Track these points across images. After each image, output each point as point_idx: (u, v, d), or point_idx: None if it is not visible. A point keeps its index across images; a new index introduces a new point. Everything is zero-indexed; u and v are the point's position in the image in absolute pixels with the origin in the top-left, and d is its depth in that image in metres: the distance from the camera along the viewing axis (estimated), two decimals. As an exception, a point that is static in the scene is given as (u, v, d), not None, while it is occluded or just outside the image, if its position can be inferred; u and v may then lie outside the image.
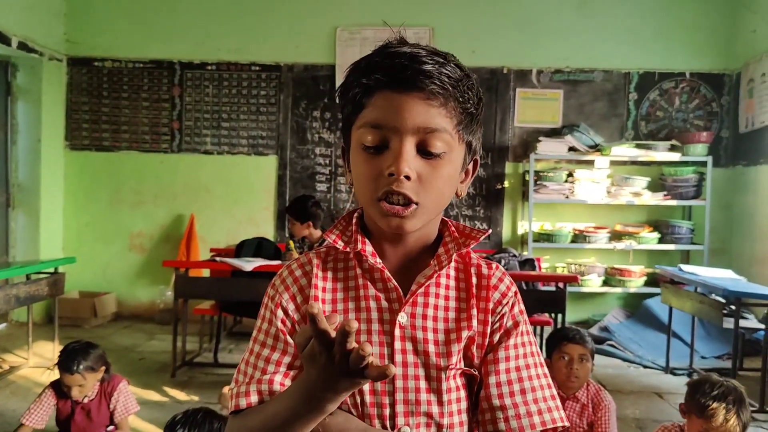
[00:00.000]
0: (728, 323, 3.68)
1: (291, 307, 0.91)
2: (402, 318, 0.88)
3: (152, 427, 3.13)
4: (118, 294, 5.82)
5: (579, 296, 5.61)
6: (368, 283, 0.90)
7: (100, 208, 5.87)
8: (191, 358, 4.37)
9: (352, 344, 0.67)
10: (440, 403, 0.87)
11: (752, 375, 4.18)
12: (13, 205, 5.49)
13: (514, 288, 0.95)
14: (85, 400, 2.68)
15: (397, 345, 0.87)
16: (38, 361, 4.29)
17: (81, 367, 2.59)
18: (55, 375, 2.73)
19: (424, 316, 0.89)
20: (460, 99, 0.84)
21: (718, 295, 3.85)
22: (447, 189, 0.88)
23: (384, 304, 0.89)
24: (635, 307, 5.52)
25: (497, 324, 0.92)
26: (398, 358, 0.87)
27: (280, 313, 0.90)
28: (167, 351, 4.32)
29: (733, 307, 3.68)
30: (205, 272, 4.81)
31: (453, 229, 0.95)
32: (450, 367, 0.87)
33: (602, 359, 4.72)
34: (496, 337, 0.91)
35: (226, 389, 3.02)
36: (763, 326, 3.76)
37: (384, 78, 0.83)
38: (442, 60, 0.83)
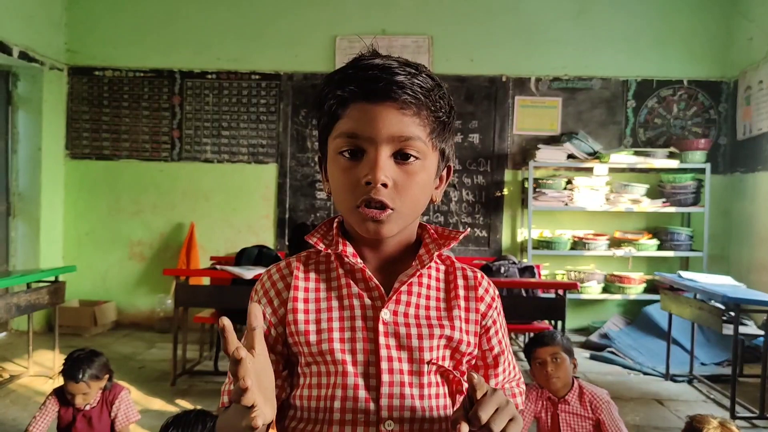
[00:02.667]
0: (728, 330, 3.69)
1: (268, 310, 0.93)
2: (385, 315, 0.90)
3: (153, 436, 3.14)
4: (117, 302, 5.82)
5: (579, 303, 5.62)
6: (350, 281, 0.92)
7: (100, 216, 5.88)
8: (191, 367, 4.37)
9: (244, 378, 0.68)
10: (422, 397, 0.89)
11: (752, 381, 4.19)
12: (14, 213, 5.50)
13: (496, 291, 1.00)
14: (87, 408, 2.68)
15: (382, 340, 0.89)
16: (38, 369, 4.29)
17: (86, 375, 2.60)
18: (58, 382, 2.73)
19: (406, 314, 0.91)
20: (432, 108, 0.88)
21: (718, 301, 3.86)
22: (422, 195, 0.91)
23: (367, 301, 0.91)
24: (635, 314, 5.53)
25: (490, 327, 0.98)
26: (383, 352, 0.89)
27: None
28: (167, 359, 4.32)
29: (732, 313, 3.69)
30: (205, 280, 4.82)
31: (432, 231, 0.98)
32: (432, 361, 0.90)
33: (602, 366, 4.73)
34: (493, 342, 0.98)
35: None
36: (762, 332, 3.77)
37: (358, 89, 0.85)
38: (414, 71, 0.86)
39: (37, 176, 5.51)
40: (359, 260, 0.92)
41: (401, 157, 0.87)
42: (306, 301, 0.92)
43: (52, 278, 4.28)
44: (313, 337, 0.89)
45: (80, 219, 5.88)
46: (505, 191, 5.79)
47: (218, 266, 4.33)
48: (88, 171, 5.87)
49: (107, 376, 2.71)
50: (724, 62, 5.70)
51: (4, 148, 5.42)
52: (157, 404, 3.67)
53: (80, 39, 5.83)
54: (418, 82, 0.85)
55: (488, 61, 5.73)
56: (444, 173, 0.97)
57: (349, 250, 0.92)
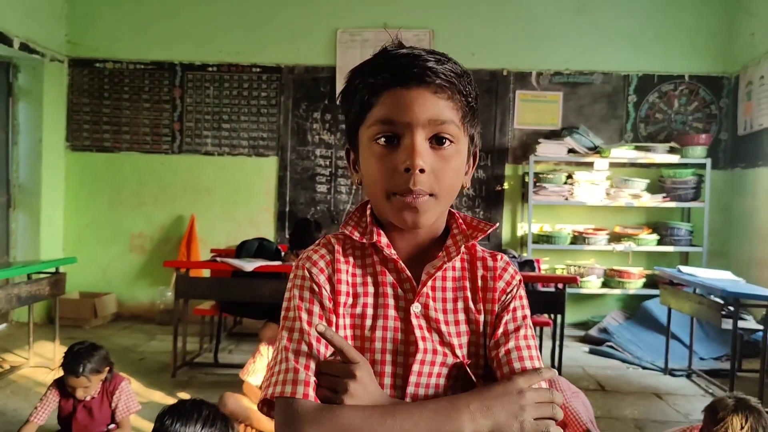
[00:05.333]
0: (727, 324, 3.69)
1: (328, 287, 0.91)
2: (416, 308, 0.91)
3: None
4: (118, 294, 5.83)
5: (578, 297, 5.63)
6: (385, 270, 0.93)
7: (100, 208, 5.88)
8: (191, 359, 4.38)
9: None
10: (446, 387, 0.89)
11: (751, 376, 4.20)
12: (14, 205, 5.50)
13: (518, 276, 0.98)
14: (87, 398, 2.69)
15: (418, 333, 0.89)
16: (39, 361, 4.30)
17: (86, 369, 2.60)
18: (59, 374, 2.74)
19: (435, 309, 0.92)
20: (464, 92, 0.89)
21: (717, 296, 3.87)
22: (456, 180, 0.92)
23: (400, 292, 0.92)
24: (634, 309, 5.54)
25: (503, 312, 0.94)
26: (420, 345, 0.89)
27: (314, 281, 0.91)
28: (167, 351, 4.33)
29: (731, 308, 3.69)
30: (206, 272, 4.82)
31: (461, 221, 0.98)
32: (459, 346, 0.91)
33: (601, 360, 4.74)
34: (505, 319, 0.93)
35: (227, 394, 3.04)
36: (761, 327, 3.77)
37: (391, 76, 0.86)
38: (442, 58, 0.88)
39: (37, 168, 5.51)
40: (393, 252, 0.92)
41: (437, 141, 0.87)
42: (346, 283, 0.92)
43: (53, 269, 4.29)
44: (348, 321, 0.91)
45: (81, 211, 5.89)
46: (506, 185, 5.79)
47: (218, 258, 4.34)
48: (88, 163, 5.87)
49: (107, 368, 2.72)
50: (726, 57, 5.69)
51: (4, 139, 5.41)
52: (158, 396, 3.69)
53: (81, 31, 5.82)
54: (449, 67, 0.87)
55: (489, 56, 5.72)
56: (471, 160, 0.98)
57: (384, 240, 0.92)
